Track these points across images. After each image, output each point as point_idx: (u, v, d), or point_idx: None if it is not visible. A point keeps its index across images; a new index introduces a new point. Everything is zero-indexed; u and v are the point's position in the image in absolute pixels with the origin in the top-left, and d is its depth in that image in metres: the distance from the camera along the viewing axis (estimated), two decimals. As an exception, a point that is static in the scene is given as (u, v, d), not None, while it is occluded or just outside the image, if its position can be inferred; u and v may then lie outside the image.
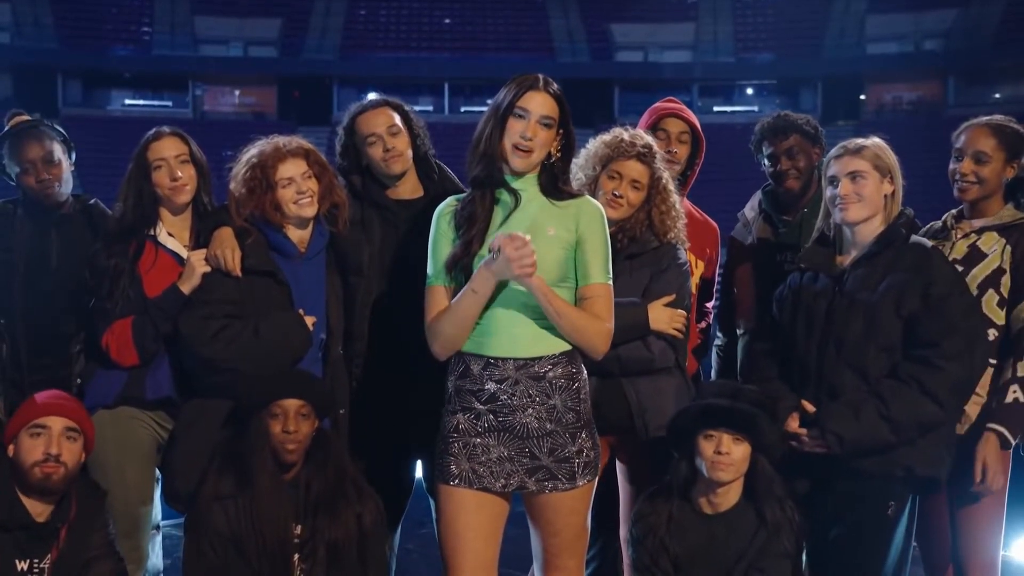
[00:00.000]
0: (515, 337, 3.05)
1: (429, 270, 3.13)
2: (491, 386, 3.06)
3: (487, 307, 3.04)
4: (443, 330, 3.06)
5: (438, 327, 3.08)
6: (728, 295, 4.38)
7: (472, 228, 3.06)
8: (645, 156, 3.59)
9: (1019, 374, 3.47)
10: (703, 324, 4.25)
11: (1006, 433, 3.44)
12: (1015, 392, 3.46)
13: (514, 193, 3.09)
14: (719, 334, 4.41)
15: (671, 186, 3.66)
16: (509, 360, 3.05)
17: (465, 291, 3.02)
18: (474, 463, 3.07)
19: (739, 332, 4.29)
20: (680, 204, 3.72)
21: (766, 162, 4.16)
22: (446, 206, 3.17)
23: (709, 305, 4.31)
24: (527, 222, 3.07)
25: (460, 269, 3.05)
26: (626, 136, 3.62)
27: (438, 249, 3.12)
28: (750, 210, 4.31)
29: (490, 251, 2.96)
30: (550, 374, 3.06)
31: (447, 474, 3.10)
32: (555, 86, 3.09)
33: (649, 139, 3.66)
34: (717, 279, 4.40)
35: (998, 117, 3.69)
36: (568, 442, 3.07)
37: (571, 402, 3.08)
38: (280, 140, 3.62)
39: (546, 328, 3.05)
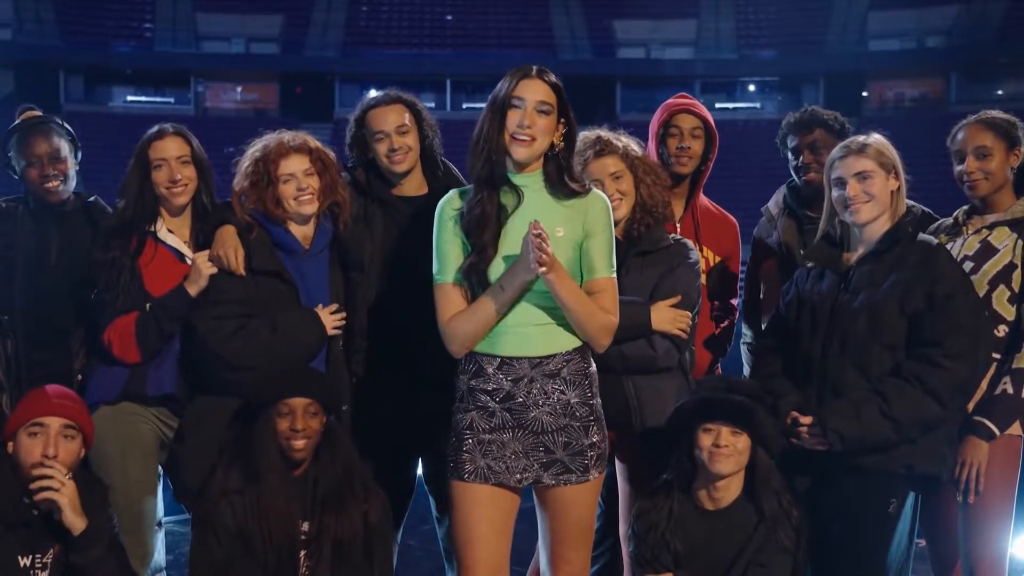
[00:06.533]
0: (528, 336, 3.07)
1: (436, 268, 3.13)
2: (507, 385, 3.08)
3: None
4: (465, 331, 3.07)
5: (458, 328, 3.08)
6: (753, 291, 4.36)
7: (484, 233, 3.05)
8: (602, 150, 3.59)
9: (1014, 366, 3.50)
10: (726, 323, 4.23)
11: (989, 424, 3.47)
12: (1005, 384, 3.49)
13: (518, 191, 3.08)
14: (746, 331, 4.39)
15: (640, 151, 3.68)
16: (524, 359, 3.07)
17: (492, 291, 3.03)
18: (489, 459, 3.09)
19: (763, 327, 4.27)
20: (661, 167, 3.78)
21: (790, 155, 4.16)
22: (448, 202, 3.16)
23: (734, 302, 4.29)
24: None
25: (476, 276, 3.05)
26: (578, 145, 3.59)
27: (444, 247, 3.11)
28: (774, 206, 4.30)
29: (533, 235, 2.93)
30: (564, 371, 3.09)
31: (462, 470, 3.11)
32: (551, 75, 3.09)
33: (593, 134, 3.65)
34: (741, 275, 4.39)
35: (985, 112, 3.74)
36: (582, 435, 3.10)
37: (584, 396, 3.11)
38: (286, 135, 3.63)
39: (558, 326, 3.08)
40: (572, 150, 3.17)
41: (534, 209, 3.07)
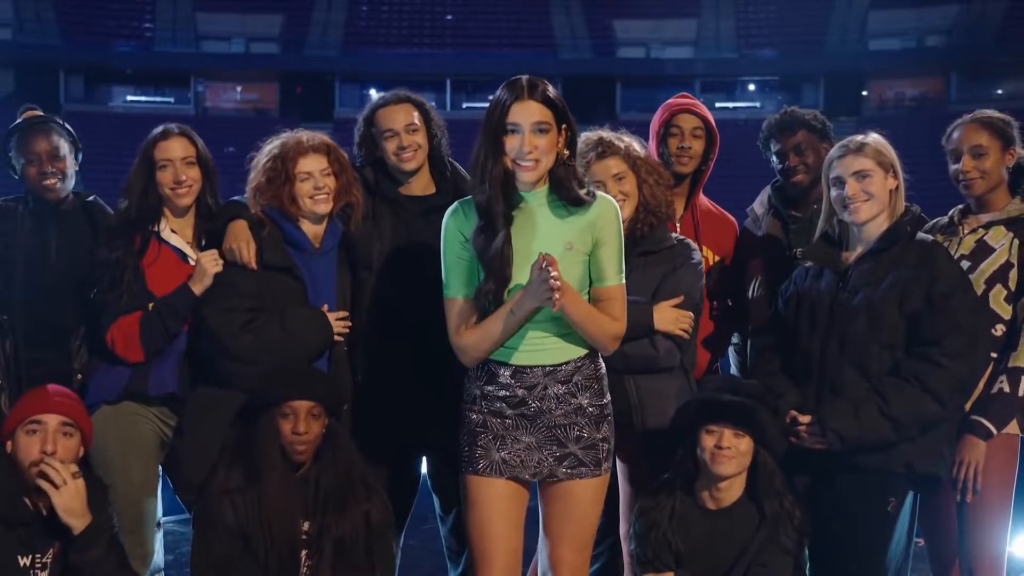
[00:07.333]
0: (541, 347, 3.09)
1: (445, 282, 3.12)
2: (521, 392, 3.10)
3: None
4: (477, 347, 3.08)
5: (469, 344, 3.08)
6: (741, 292, 4.35)
7: (496, 259, 3.01)
8: (604, 152, 3.59)
9: (1009, 364, 3.50)
10: (725, 323, 4.22)
11: (986, 423, 3.47)
12: (1001, 382, 3.49)
13: (525, 212, 3.06)
14: (735, 332, 4.38)
15: (642, 152, 3.67)
16: (537, 367, 3.09)
17: (503, 313, 3.02)
18: (503, 453, 3.12)
19: (750, 328, 4.26)
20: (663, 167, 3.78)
21: (774, 158, 4.15)
22: (453, 216, 3.13)
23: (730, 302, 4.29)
24: (545, 240, 3.05)
25: (492, 299, 3.04)
26: (580, 146, 3.56)
27: (451, 263, 3.11)
28: (759, 205, 4.29)
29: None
30: (576, 376, 3.12)
31: (476, 464, 3.13)
32: (542, 89, 3.00)
33: (595, 134, 3.64)
34: None
35: (980, 111, 3.74)
36: (594, 430, 3.14)
37: (595, 398, 3.15)
38: (304, 134, 3.66)
39: (569, 336, 3.09)
40: (575, 153, 3.14)
41: (543, 227, 3.06)
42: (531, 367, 3.09)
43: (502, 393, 3.11)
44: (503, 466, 3.11)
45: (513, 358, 3.09)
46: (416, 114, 3.80)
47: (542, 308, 2.99)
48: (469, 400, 3.17)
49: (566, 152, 3.06)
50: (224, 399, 3.51)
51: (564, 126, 3.04)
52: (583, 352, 3.12)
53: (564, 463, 3.12)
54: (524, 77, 3.03)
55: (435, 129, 3.86)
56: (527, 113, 2.98)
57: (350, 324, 3.65)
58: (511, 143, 2.99)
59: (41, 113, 4.03)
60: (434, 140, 3.86)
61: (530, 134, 2.97)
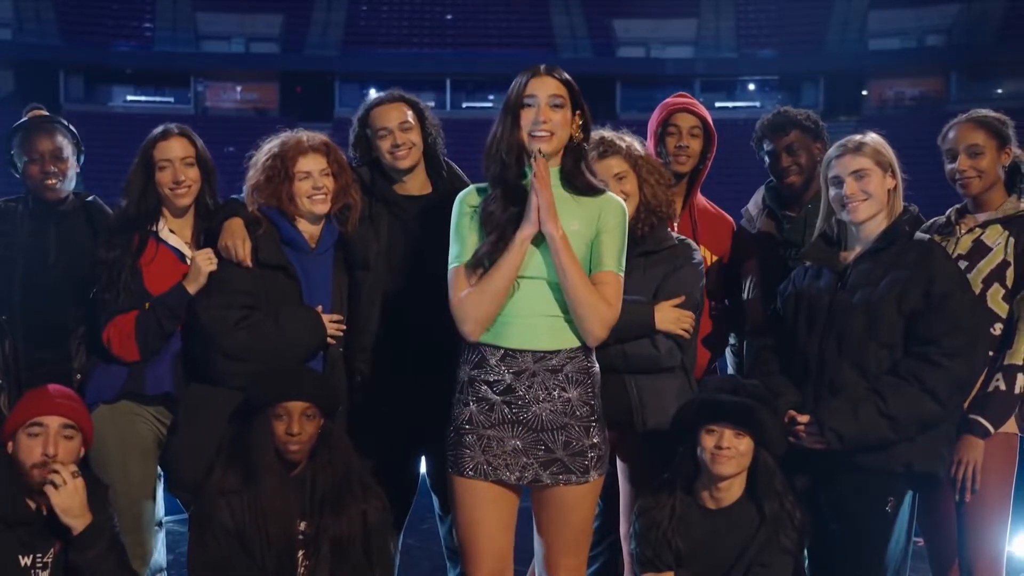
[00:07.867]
0: (533, 329, 3.07)
1: (454, 253, 3.12)
2: (508, 378, 3.07)
3: (507, 299, 3.05)
4: (476, 305, 3.04)
5: (469, 304, 3.06)
6: (738, 292, 4.36)
7: (499, 227, 3.04)
8: (605, 151, 3.59)
9: (1005, 362, 3.49)
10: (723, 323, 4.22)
11: (983, 422, 3.47)
12: (997, 381, 3.49)
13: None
14: (732, 333, 4.38)
15: (643, 151, 3.68)
16: (527, 352, 3.07)
17: (499, 262, 3.02)
18: (489, 455, 3.09)
19: (746, 329, 4.27)
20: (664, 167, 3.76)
21: (767, 159, 4.16)
22: (467, 195, 3.17)
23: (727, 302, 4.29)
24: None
25: (491, 262, 3.05)
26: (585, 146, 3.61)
27: (463, 233, 3.12)
28: (753, 206, 4.30)
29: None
30: (567, 368, 3.08)
31: (462, 466, 3.11)
32: (561, 72, 3.11)
33: (596, 134, 3.62)
34: None
35: (976, 111, 3.74)
36: (582, 435, 3.09)
37: (586, 396, 3.11)
38: (304, 134, 3.68)
39: (564, 322, 3.08)
40: (589, 140, 3.19)
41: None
42: (521, 351, 3.06)
43: (491, 378, 3.08)
44: (488, 468, 3.09)
45: (504, 340, 3.06)
46: (410, 113, 3.81)
47: (537, 279, 3.01)
48: (457, 388, 3.16)
49: (579, 134, 3.12)
50: (216, 397, 3.52)
51: (578, 112, 3.11)
52: (576, 344, 3.09)
53: (549, 468, 3.08)
54: (542, 64, 3.14)
55: (430, 128, 3.87)
56: (544, 87, 3.08)
57: (344, 327, 3.65)
58: (527, 115, 3.07)
59: (47, 113, 4.04)
60: (429, 139, 3.87)
61: (545, 106, 3.06)
